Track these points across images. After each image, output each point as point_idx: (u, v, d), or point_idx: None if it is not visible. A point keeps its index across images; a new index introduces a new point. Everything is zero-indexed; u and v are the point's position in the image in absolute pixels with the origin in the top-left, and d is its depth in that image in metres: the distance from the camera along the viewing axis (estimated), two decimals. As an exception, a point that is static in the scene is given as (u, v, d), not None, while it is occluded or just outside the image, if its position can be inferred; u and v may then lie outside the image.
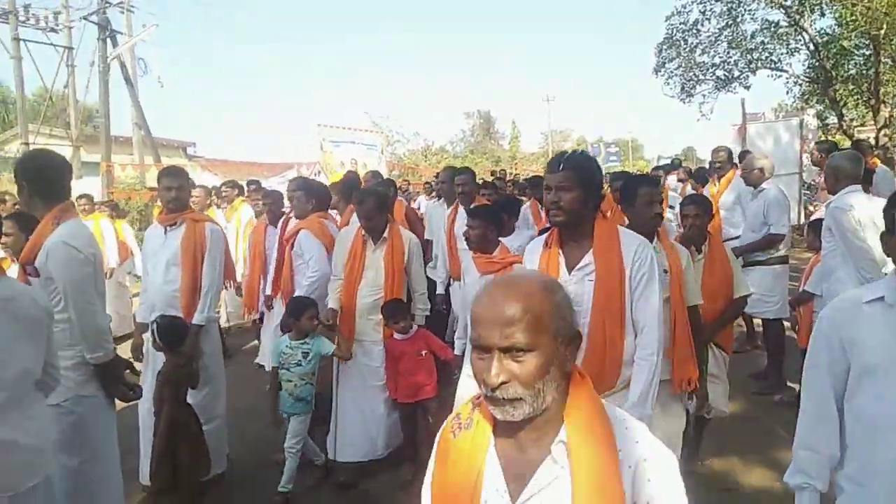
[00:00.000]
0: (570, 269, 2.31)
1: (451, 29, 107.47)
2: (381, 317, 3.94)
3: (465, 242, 3.99)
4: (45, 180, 2.73)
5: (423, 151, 36.14)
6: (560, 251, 2.35)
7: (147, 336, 3.74)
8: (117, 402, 2.93)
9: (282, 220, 5.27)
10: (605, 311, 2.26)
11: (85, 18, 17.11)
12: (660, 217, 2.97)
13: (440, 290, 5.30)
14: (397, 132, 34.02)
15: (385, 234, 3.96)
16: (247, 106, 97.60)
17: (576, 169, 2.24)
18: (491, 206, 4.29)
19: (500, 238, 3.77)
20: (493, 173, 13.37)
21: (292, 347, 3.78)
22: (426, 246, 5.67)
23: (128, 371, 3.07)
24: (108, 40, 16.93)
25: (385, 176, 19.37)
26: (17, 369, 2.07)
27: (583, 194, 2.24)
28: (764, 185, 5.30)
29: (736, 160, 6.97)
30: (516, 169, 29.43)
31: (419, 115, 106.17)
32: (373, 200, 3.91)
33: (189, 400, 3.57)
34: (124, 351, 3.58)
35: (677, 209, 4.60)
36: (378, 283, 3.95)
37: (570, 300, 1.20)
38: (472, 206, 4.39)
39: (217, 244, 3.91)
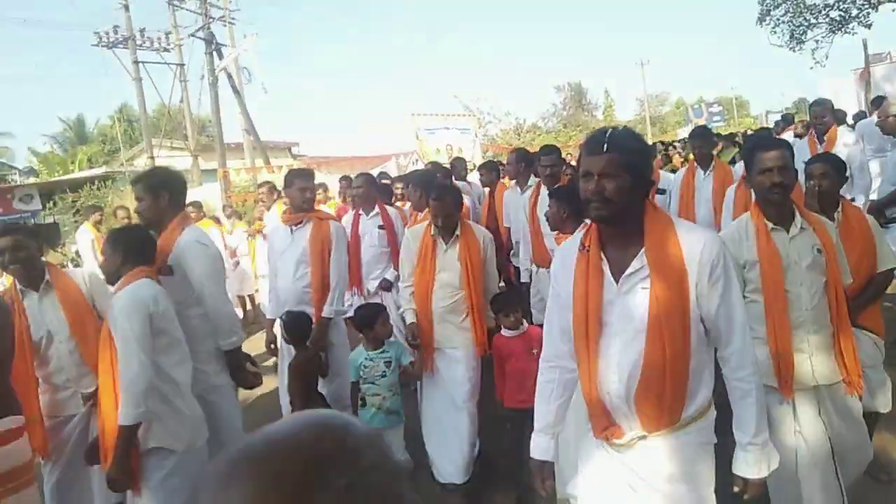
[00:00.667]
0: (616, 276, 1.82)
1: (533, 3, 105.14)
2: (464, 316, 3.60)
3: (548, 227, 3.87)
4: (174, 191, 3.11)
5: (516, 130, 35.87)
6: (602, 254, 1.85)
7: (278, 331, 3.97)
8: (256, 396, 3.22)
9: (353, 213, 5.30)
10: (666, 327, 1.75)
11: (193, 35, 18.38)
12: (780, 188, 2.49)
13: (524, 277, 5.15)
14: (489, 113, 34.02)
15: (457, 232, 3.62)
16: (344, 103, 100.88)
17: (622, 149, 1.76)
18: (566, 187, 4.04)
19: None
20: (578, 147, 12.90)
21: (372, 359, 3.55)
22: (501, 234, 5.68)
23: (248, 363, 3.36)
24: (215, 53, 18.05)
25: (480, 159, 19.43)
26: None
27: (631, 181, 1.76)
28: (906, 134, 4.87)
29: (864, 109, 6.45)
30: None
31: (510, 94, 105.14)
32: (451, 198, 3.62)
33: (321, 390, 3.76)
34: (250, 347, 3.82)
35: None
36: (454, 285, 3.59)
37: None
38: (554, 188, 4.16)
39: (341, 241, 4.09)
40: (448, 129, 20.00)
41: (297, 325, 3.71)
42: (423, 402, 3.83)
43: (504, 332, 3.52)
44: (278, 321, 3.98)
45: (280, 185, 7.99)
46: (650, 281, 1.78)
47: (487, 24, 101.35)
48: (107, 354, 2.58)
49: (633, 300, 1.80)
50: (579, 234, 2.01)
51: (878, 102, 6.54)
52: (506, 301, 3.61)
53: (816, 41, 18.33)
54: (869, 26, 17.68)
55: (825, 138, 5.50)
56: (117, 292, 2.65)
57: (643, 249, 1.80)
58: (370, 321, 3.60)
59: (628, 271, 1.80)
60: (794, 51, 18.61)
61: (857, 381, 2.50)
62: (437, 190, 3.74)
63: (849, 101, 13.42)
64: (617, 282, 1.81)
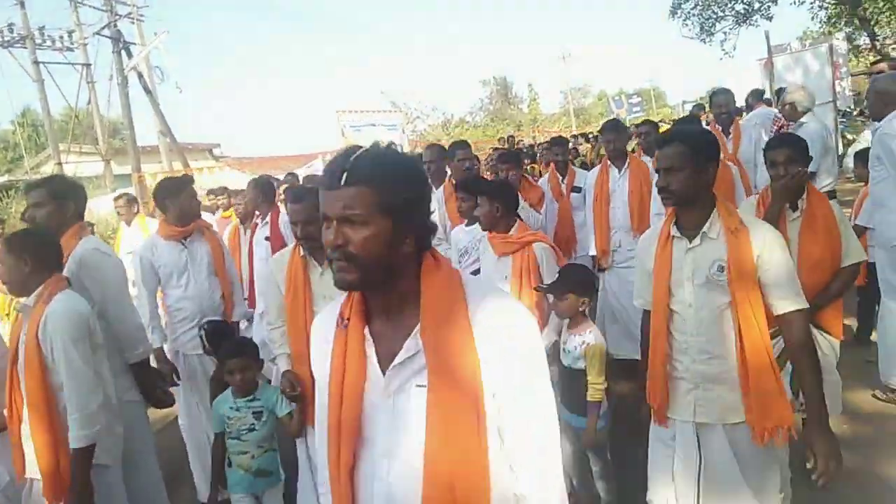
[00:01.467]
0: (384, 365, 1.24)
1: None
2: None
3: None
4: (78, 201, 3.00)
5: (444, 125, 35.95)
6: (367, 331, 1.27)
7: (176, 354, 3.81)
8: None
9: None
10: (449, 447, 1.17)
11: (98, 34, 17.37)
12: (663, 192, 2.17)
13: None
14: (416, 108, 33.95)
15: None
16: (266, 101, 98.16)
17: (372, 180, 1.17)
18: (492, 182, 4.03)
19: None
20: (499, 140, 12.74)
21: (239, 408, 2.91)
22: None
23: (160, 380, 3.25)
24: (123, 52, 17.14)
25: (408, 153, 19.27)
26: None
27: (393, 226, 1.19)
28: (803, 120, 5.11)
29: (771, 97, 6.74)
30: (538, 133, 29.05)
31: (436, 89, 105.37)
32: (311, 202, 2.71)
33: None
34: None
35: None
36: None
37: None
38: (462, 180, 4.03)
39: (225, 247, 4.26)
40: (375, 126, 19.79)
41: (221, 334, 3.52)
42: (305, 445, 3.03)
43: None
44: (178, 342, 3.79)
45: (201, 187, 7.67)
46: (426, 375, 1.19)
47: (414, 19, 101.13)
48: (33, 383, 2.34)
49: (406, 404, 1.21)
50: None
51: (780, 93, 6.86)
52: None
53: (724, 33, 19.31)
54: (770, 19, 18.75)
55: (731, 130, 5.28)
56: (38, 305, 2.39)
57: (418, 326, 1.21)
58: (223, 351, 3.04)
59: (397, 360, 1.22)
60: (704, 42, 19.51)
61: (768, 430, 2.04)
62: (293, 192, 3.06)
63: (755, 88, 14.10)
64: (384, 374, 1.23)
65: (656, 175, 2.19)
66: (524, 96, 48.43)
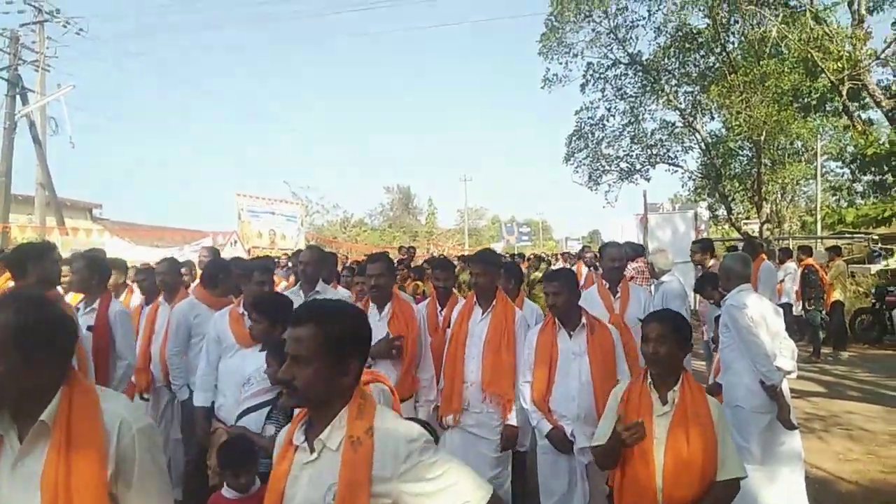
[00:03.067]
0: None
1: (373, 105, 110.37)
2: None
3: None
4: None
5: (343, 223, 36.30)
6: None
7: None
8: None
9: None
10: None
11: (-7, 73, 16.45)
12: None
13: None
14: (317, 203, 34.17)
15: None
16: (162, 171, 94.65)
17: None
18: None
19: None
20: (400, 250, 12.55)
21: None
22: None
23: None
24: (19, 97, 16.28)
25: (303, 248, 19.15)
26: None
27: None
28: (664, 279, 5.78)
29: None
30: (432, 245, 29.98)
31: (340, 187, 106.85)
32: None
33: None
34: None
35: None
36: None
37: None
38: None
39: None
40: (274, 215, 19.72)
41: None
42: None
43: (226, 492, 2.73)
44: None
45: (72, 249, 7.11)
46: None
47: (326, 117, 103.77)
48: None
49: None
50: None
51: (641, 250, 7.60)
52: (240, 455, 2.75)
53: (609, 185, 21.34)
54: (649, 179, 21.10)
55: (619, 288, 4.58)
56: None
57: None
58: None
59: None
60: (591, 189, 21.43)
61: None
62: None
63: (632, 239, 15.62)
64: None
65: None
66: (424, 208, 50.28)
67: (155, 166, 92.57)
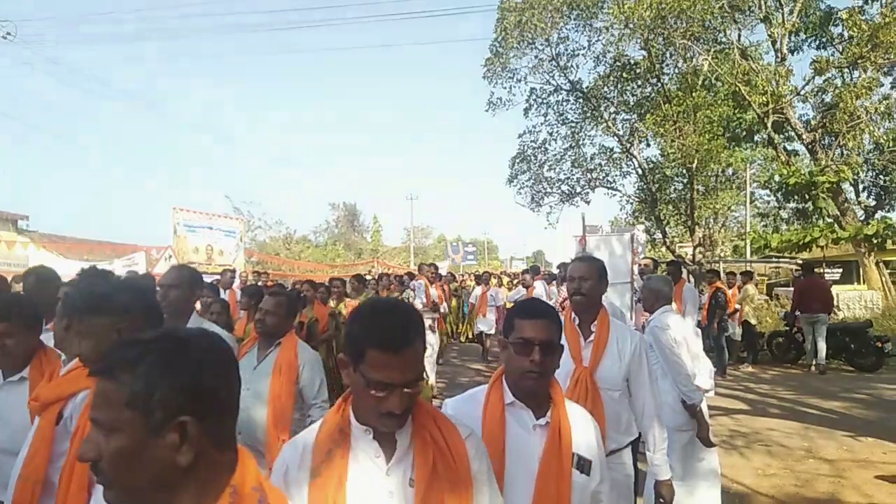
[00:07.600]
0: None
1: (320, 122, 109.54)
2: None
3: None
4: None
5: (286, 240, 35.68)
6: None
7: None
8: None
9: None
10: None
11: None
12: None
13: None
14: (259, 218, 33.53)
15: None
16: (95, 182, 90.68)
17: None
18: None
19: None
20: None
21: None
22: None
23: None
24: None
25: (243, 264, 18.63)
26: None
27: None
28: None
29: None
30: (377, 264, 29.84)
31: (284, 203, 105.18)
32: None
33: None
34: None
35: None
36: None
37: None
38: None
39: None
40: (212, 230, 19.23)
41: None
42: None
43: None
44: None
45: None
46: None
47: (268, 130, 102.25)
48: None
49: None
50: None
51: (563, 267, 7.82)
52: None
53: (550, 207, 21.84)
54: (588, 202, 21.70)
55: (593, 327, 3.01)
56: None
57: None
58: None
59: None
60: (533, 211, 21.88)
61: None
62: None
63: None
64: None
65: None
66: (369, 226, 50.04)
67: (88, 178, 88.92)
